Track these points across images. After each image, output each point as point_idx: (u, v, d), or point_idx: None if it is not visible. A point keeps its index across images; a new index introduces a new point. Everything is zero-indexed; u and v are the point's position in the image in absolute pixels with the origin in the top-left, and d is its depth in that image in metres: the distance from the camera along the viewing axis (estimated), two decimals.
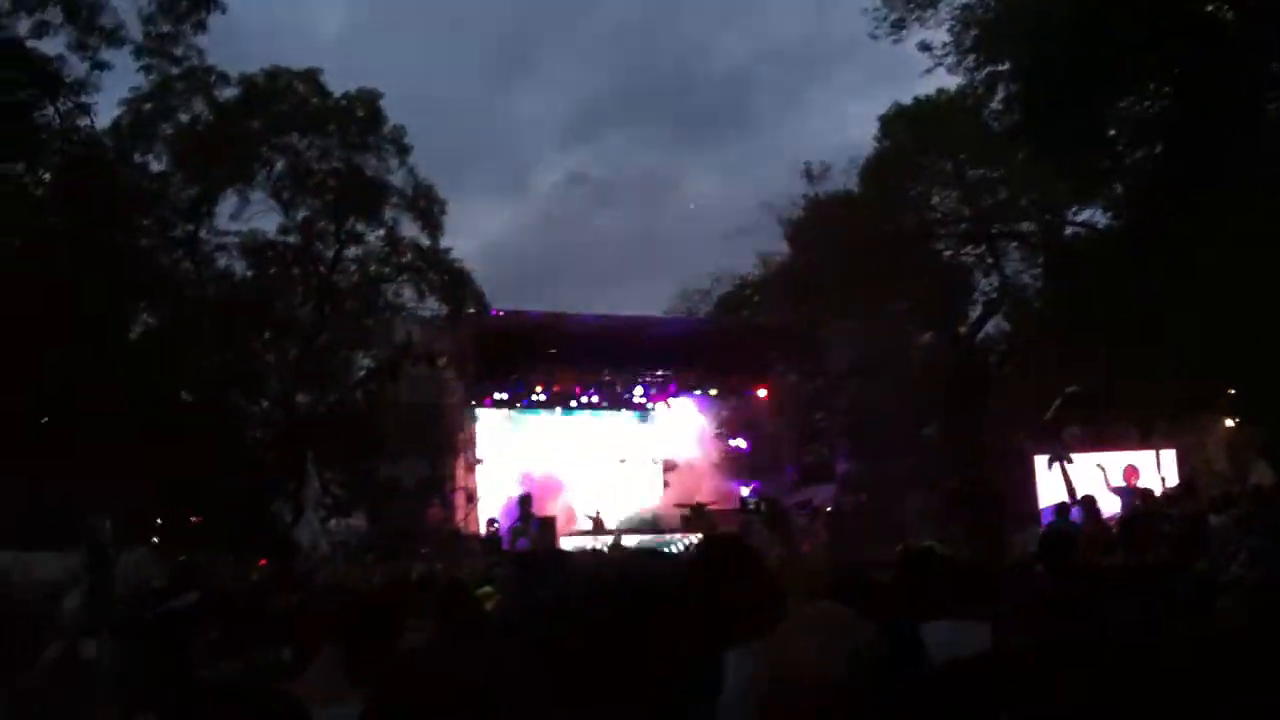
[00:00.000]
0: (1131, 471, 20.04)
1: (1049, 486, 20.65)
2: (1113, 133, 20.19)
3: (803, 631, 2.22)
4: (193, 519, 21.03)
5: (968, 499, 21.50)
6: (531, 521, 20.46)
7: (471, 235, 53.92)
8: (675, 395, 25.97)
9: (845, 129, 62.29)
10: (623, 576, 1.90)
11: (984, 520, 19.74)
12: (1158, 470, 20.76)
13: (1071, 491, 19.76)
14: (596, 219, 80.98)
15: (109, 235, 20.01)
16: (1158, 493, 18.16)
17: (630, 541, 20.14)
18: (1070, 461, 21.12)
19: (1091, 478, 19.03)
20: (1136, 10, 15.98)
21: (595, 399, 25.52)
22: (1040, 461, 21.91)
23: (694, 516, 22.22)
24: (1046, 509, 19.92)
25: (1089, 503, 14.82)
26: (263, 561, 16.68)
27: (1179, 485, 18.55)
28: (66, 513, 15.95)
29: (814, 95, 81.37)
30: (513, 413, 24.65)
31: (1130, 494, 18.01)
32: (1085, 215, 25.00)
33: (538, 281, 65.39)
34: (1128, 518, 13.55)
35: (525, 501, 20.72)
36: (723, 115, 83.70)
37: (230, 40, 20.76)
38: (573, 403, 25.27)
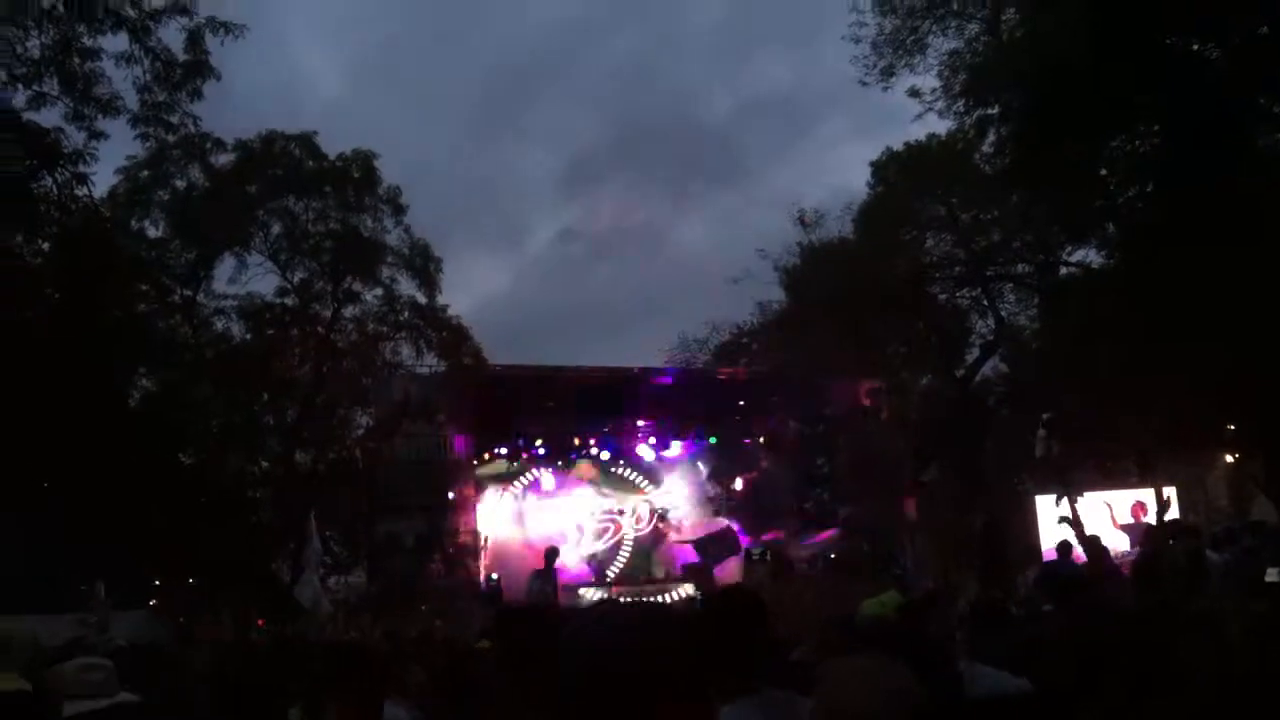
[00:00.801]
0: (1139, 508, 20.05)
1: (1051, 526, 20.64)
2: (1104, 173, 20.27)
3: (853, 678, 2.25)
4: (190, 580, 20.97)
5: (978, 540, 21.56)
6: (553, 573, 20.54)
7: (470, 291, 54.53)
8: (675, 444, 25.96)
9: (842, 173, 62.94)
10: (623, 630, 1.88)
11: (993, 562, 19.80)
12: (1158, 506, 20.74)
13: (1080, 528, 19.77)
14: (593, 271, 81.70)
15: (107, 303, 20.07)
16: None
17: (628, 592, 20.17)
18: (1080, 496, 21.14)
19: (1098, 515, 19.02)
20: (1125, 50, 16.08)
21: (595, 450, 25.49)
22: (1042, 501, 21.92)
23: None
24: (1050, 549, 19.95)
25: (1093, 542, 14.79)
26: (260, 622, 16.63)
27: (1177, 523, 18.51)
28: (63, 577, 15.96)
29: (808, 142, 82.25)
30: (513, 466, 24.59)
31: (1138, 530, 17.95)
32: (1079, 256, 25.13)
33: (537, 334, 65.83)
34: (1140, 560, 13.48)
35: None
36: (718, 164, 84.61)
37: (227, 106, 20.94)
38: (572, 455, 25.25)
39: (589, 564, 24.00)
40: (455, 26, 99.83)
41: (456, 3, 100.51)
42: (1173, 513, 20.52)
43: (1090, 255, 24.14)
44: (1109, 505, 19.74)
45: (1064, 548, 15.52)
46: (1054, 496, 21.72)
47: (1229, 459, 24.31)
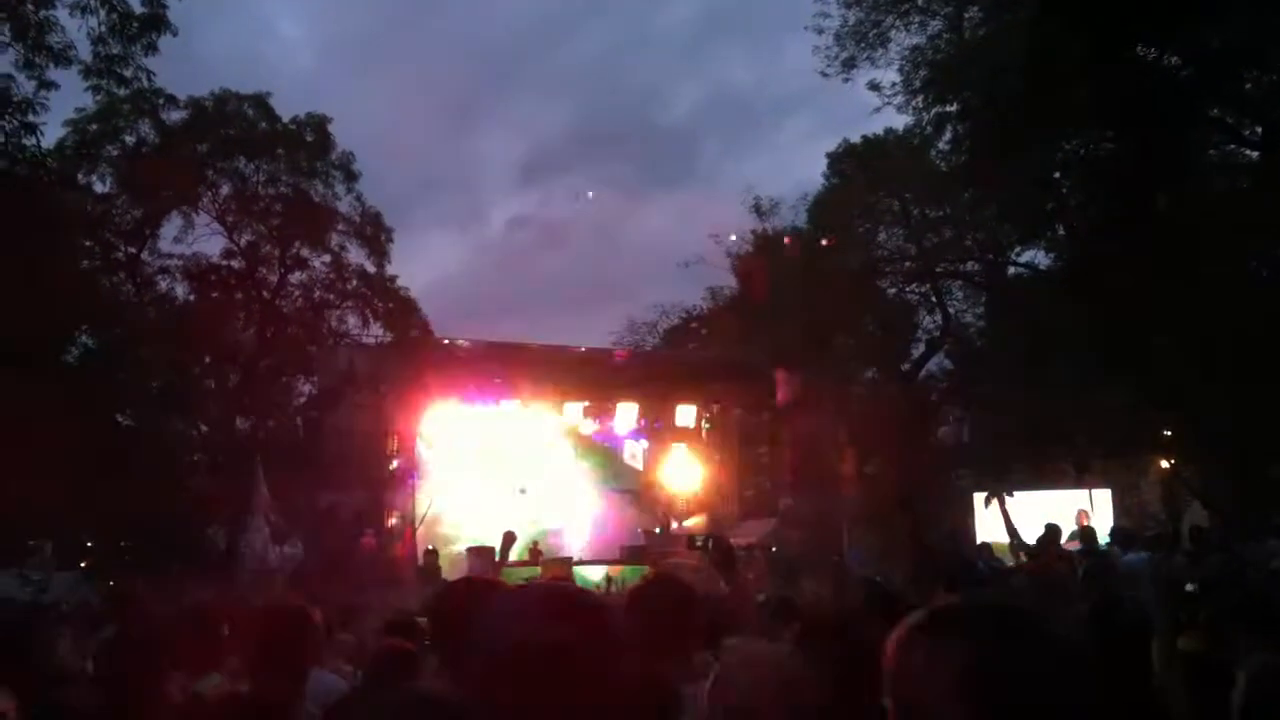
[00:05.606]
0: (1083, 515, 20.20)
1: (987, 524, 20.86)
2: (1057, 175, 20.43)
3: (756, 664, 2.26)
4: (124, 543, 20.72)
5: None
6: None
7: (425, 265, 54.28)
8: (621, 426, 25.92)
9: (804, 169, 63.21)
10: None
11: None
12: (1089, 510, 20.95)
13: (1011, 530, 19.93)
14: (549, 254, 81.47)
15: (49, 257, 19.73)
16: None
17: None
18: (1010, 495, 21.31)
19: (1031, 515, 19.15)
20: (1080, 55, 16.19)
21: (539, 426, 25.36)
22: (979, 499, 22.13)
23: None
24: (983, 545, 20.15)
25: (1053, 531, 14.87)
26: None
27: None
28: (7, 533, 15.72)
29: (773, 138, 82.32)
30: (456, 440, 24.42)
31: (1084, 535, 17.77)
32: (1028, 256, 25.31)
33: (489, 313, 65.65)
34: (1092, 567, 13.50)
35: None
36: (678, 157, 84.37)
37: (195, 67, 20.49)
38: (517, 430, 25.11)
39: (527, 543, 23.91)
40: (432, 9, 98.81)
41: None
42: (1105, 516, 20.79)
43: (1039, 256, 24.37)
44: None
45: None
46: (985, 494, 21.99)
47: (1164, 464, 24.65)
